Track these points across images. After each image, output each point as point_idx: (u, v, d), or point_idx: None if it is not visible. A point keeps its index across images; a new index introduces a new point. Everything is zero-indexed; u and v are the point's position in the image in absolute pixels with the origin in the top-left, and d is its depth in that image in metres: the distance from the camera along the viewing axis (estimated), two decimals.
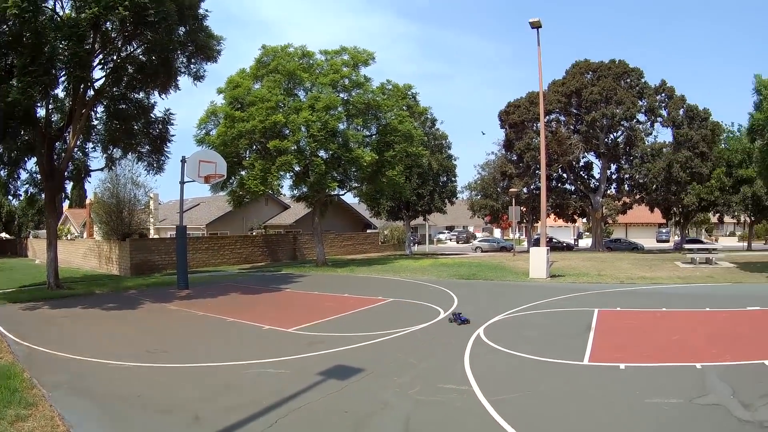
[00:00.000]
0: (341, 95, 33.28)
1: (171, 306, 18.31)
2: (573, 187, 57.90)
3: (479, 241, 66.52)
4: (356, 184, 37.20)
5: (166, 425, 7.28)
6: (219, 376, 9.53)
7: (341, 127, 32.80)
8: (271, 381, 9.16)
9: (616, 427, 7.49)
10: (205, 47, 23.09)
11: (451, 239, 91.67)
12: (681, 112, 52.17)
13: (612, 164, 56.60)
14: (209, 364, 10.33)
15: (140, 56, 22.37)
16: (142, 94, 24.55)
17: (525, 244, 68.03)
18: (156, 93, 24.01)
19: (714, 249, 37.87)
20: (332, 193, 36.36)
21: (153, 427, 7.20)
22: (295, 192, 35.67)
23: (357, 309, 17.16)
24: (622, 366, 10.28)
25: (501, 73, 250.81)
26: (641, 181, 53.56)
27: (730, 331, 13.99)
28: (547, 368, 10.22)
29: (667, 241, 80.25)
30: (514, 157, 55.81)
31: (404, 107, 37.01)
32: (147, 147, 25.73)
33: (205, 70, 24.09)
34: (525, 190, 55.27)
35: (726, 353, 11.30)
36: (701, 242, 58.39)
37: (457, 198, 59.87)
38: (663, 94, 53.49)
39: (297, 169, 32.84)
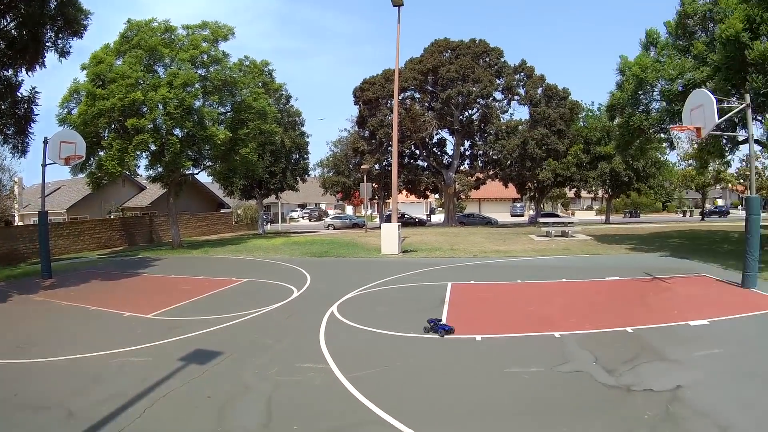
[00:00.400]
0: (199, 71, 34.15)
1: (36, 297, 18.50)
2: (426, 164, 61.20)
3: (331, 219, 68.66)
4: (210, 163, 38.24)
5: (43, 424, 7.65)
6: (87, 368, 10.02)
7: (197, 104, 33.62)
8: (136, 370, 9.73)
9: (477, 398, 8.32)
10: (73, 21, 23.12)
11: (303, 217, 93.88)
12: (539, 91, 56.76)
13: (466, 141, 60.71)
14: (78, 356, 10.84)
15: (12, 31, 22.36)
16: (10, 72, 24.01)
17: (377, 220, 70.95)
18: (23, 70, 23.64)
19: (570, 222, 41.90)
20: (187, 172, 37.13)
21: (31, 428, 7.57)
22: (151, 172, 36.19)
23: (212, 291, 18.09)
24: (478, 338, 11.38)
25: (362, 50, 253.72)
26: (495, 157, 57.60)
27: (588, 301, 15.65)
28: (402, 343, 11.26)
29: (522, 215, 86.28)
30: (367, 134, 58.42)
31: (260, 84, 38.56)
32: (12, 128, 24.98)
33: (70, 46, 24.07)
34: (377, 166, 58.09)
35: (585, 322, 12.74)
36: (557, 216, 63.49)
37: (309, 175, 61.86)
38: (522, 74, 58.22)
39: (153, 148, 33.42)
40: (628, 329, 11.99)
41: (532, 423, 7.48)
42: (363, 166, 52.39)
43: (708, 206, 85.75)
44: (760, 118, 26.02)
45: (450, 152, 62.19)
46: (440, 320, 12.31)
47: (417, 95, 59.28)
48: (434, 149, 62.34)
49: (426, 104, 58.66)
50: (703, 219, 71.00)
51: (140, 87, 31.41)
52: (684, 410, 7.81)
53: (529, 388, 8.66)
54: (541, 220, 48.40)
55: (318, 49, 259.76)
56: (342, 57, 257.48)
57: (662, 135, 31.95)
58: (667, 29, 29.53)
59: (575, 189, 65.61)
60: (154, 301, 16.34)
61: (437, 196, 77.85)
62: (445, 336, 11.38)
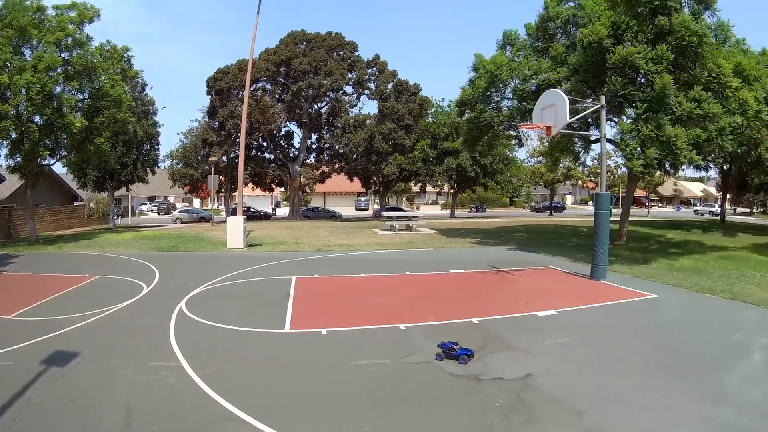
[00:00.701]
0: (63, 55, 32.67)
1: None
2: (272, 156, 61.72)
3: (179, 212, 66.89)
4: (65, 153, 36.61)
5: None
6: None
7: (57, 90, 32.15)
8: (1, 376, 9.28)
9: (327, 392, 8.52)
10: None
11: (152, 210, 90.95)
12: (390, 86, 58.78)
13: (313, 134, 61.69)
14: None
15: None
16: None
17: (223, 214, 69.69)
18: None
19: (415, 216, 44.10)
20: (44, 162, 35.55)
21: None
22: (11, 162, 34.10)
23: (67, 289, 17.53)
24: (323, 331, 11.76)
25: (224, 39, 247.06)
26: (341, 151, 59.03)
27: (433, 293, 16.50)
28: (250, 338, 11.52)
29: (367, 209, 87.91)
30: (217, 125, 58.00)
31: (118, 70, 37.28)
32: None
33: None
34: (225, 158, 57.90)
35: (430, 314, 13.30)
36: (401, 210, 65.57)
37: (159, 167, 60.13)
38: (375, 68, 60.13)
39: (14, 136, 31.72)
40: (474, 320, 12.83)
41: (383, 415, 7.77)
42: (211, 158, 52.21)
43: (542, 203, 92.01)
44: (615, 119, 28.78)
45: (297, 145, 62.78)
46: (455, 343, 10.38)
47: (269, 87, 59.35)
48: (282, 142, 62.83)
49: (277, 96, 58.89)
50: (551, 214, 76.54)
51: (7, 70, 29.80)
52: (536, 397, 8.38)
53: (378, 380, 9.02)
54: (385, 214, 49.85)
55: (179, 37, 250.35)
56: (203, 46, 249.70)
57: (512, 132, 34.13)
58: (527, 31, 31.79)
59: (421, 184, 67.84)
60: (14, 301, 15.55)
61: (283, 189, 77.75)
62: (469, 362, 9.96)
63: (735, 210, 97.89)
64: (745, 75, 26.56)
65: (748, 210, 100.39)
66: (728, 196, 67.09)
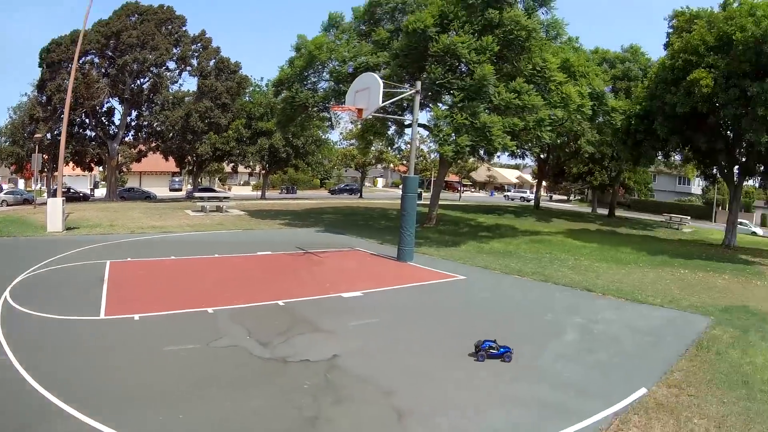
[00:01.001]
0: None
1: None
2: (93, 134, 58.43)
3: (5, 194, 61.63)
4: None
5: None
6: None
7: None
8: None
9: (143, 378, 8.33)
10: None
11: None
12: (212, 63, 57.22)
13: (134, 110, 59.00)
14: None
15: None
16: None
17: (45, 195, 67.06)
18: None
19: (226, 197, 43.90)
20: None
21: None
22: None
23: None
24: (136, 317, 11.36)
25: (67, 7, 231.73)
26: (159, 129, 57.01)
27: (241, 275, 16.58)
28: (68, 327, 10.84)
29: (180, 189, 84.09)
30: (45, 99, 54.04)
31: None
32: None
33: None
34: (49, 135, 54.04)
35: (238, 296, 13.24)
36: (214, 191, 64.07)
37: None
38: (199, 44, 58.02)
39: None
40: (280, 302, 12.83)
41: (197, 401, 7.63)
42: (36, 135, 48.14)
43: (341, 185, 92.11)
44: (432, 105, 29.24)
45: (118, 122, 59.58)
46: (494, 341, 9.87)
47: (97, 60, 55.80)
48: (103, 119, 59.11)
49: (103, 70, 55.69)
50: (361, 196, 76.58)
51: None
52: (344, 378, 8.46)
53: (189, 366, 8.91)
54: (197, 195, 49.65)
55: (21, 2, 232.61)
56: (49, 14, 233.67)
57: (326, 114, 34.48)
58: (354, 15, 31.57)
59: (233, 164, 66.85)
60: None
61: (102, 168, 73.70)
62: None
63: (551, 197, 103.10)
64: (573, 71, 27.69)
65: (565, 197, 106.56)
66: (544, 183, 70.70)
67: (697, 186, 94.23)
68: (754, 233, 59.29)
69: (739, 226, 40.21)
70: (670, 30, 34.58)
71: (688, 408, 8.07)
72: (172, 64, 57.79)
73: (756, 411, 8.08)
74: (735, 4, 28.34)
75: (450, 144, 23.84)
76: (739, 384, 9.14)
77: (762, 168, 32.23)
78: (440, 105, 28.56)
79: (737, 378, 9.42)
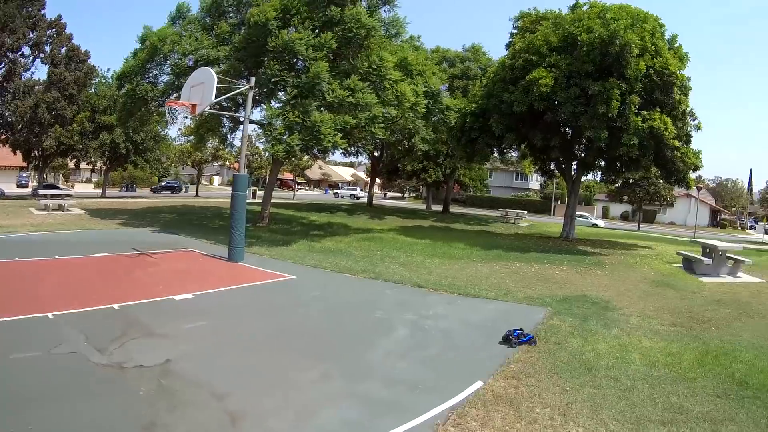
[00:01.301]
0: None
1: None
2: None
3: None
4: None
5: None
6: None
7: None
8: None
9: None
10: None
11: None
12: (63, 50, 53.94)
13: None
14: None
15: None
16: None
17: None
18: None
19: (68, 195, 42.24)
20: None
21: None
22: None
23: None
24: None
25: None
26: (9, 119, 53.40)
27: (78, 278, 15.88)
28: None
29: (27, 186, 79.72)
30: None
31: None
32: None
33: None
34: None
35: (75, 300, 12.70)
36: (58, 188, 60.59)
37: None
38: (54, 29, 54.27)
39: None
40: (115, 306, 12.40)
41: (38, 412, 7.15)
42: None
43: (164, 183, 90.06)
44: (265, 103, 29.23)
45: None
46: (522, 329, 11.43)
47: None
48: None
49: None
50: (197, 195, 75.04)
51: None
52: (177, 383, 8.32)
53: (33, 375, 8.44)
54: (40, 192, 46.99)
55: None
56: None
57: (165, 108, 33.07)
58: (201, 5, 30.91)
59: (75, 160, 64.14)
60: None
61: None
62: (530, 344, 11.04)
63: (385, 194, 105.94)
64: (410, 69, 28.32)
65: (399, 195, 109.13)
66: (378, 180, 71.41)
67: (535, 181, 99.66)
68: (595, 225, 63.74)
69: (579, 218, 43.07)
70: (514, 31, 35.86)
71: (529, 398, 8.42)
72: (27, 50, 53.61)
73: (603, 396, 8.60)
74: (585, 7, 30.28)
75: (282, 143, 23.93)
76: (581, 371, 9.69)
77: (602, 163, 34.29)
78: (274, 103, 28.55)
79: (579, 366, 9.99)
